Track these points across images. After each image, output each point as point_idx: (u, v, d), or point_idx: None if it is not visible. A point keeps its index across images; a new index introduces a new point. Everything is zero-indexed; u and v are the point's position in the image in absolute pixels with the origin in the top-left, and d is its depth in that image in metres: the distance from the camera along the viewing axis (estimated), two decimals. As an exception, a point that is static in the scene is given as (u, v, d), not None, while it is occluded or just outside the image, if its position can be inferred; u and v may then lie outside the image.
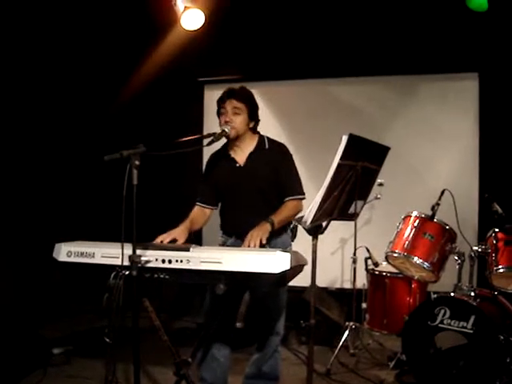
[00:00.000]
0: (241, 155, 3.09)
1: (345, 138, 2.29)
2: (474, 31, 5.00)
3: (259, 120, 3.13)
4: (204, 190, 3.22)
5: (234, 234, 3.13)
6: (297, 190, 3.05)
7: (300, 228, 2.48)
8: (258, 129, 3.17)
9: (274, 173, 3.03)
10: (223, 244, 3.18)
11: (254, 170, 3.05)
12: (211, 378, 3.10)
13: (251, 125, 3.07)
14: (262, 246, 2.67)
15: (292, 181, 3.06)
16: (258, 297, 3.02)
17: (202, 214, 3.19)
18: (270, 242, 2.72)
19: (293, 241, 3.16)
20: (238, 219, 3.08)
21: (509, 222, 3.61)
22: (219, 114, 3.05)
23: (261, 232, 2.72)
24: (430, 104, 5.40)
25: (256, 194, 3.04)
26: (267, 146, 3.11)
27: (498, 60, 5.08)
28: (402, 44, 5.30)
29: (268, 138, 3.16)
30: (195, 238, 3.07)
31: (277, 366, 3.18)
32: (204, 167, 3.29)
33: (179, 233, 2.88)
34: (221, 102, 3.02)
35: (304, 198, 3.05)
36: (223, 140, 3.02)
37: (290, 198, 3.01)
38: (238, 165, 3.09)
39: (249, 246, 2.66)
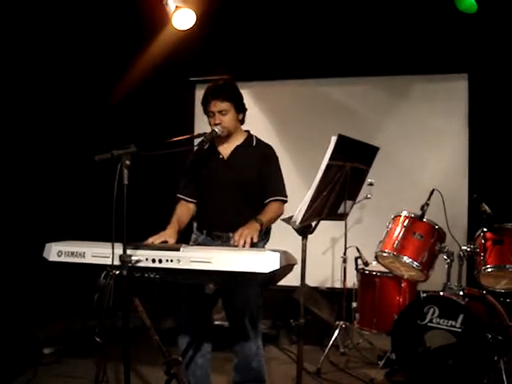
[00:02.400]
0: (226, 149, 3.09)
1: (334, 139, 2.30)
2: (464, 33, 5.03)
3: (246, 109, 3.11)
4: (188, 183, 3.17)
5: (206, 229, 3.08)
6: (281, 191, 3.03)
7: (289, 228, 2.49)
8: (249, 128, 3.18)
9: (256, 171, 3.02)
10: (195, 241, 3.12)
11: (237, 164, 3.04)
12: (193, 380, 3.06)
13: (240, 117, 3.07)
14: (252, 245, 2.65)
15: (277, 182, 3.05)
16: (242, 298, 2.99)
17: (187, 211, 3.14)
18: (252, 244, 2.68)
19: (265, 243, 3.11)
20: (213, 213, 3.06)
21: (497, 221, 3.64)
22: (206, 113, 3.03)
23: (251, 230, 2.68)
24: (420, 104, 5.43)
25: (234, 188, 3.01)
26: (254, 144, 3.11)
27: (487, 61, 5.12)
28: (392, 45, 5.33)
29: (256, 137, 3.16)
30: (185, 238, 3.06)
31: (261, 369, 3.09)
32: (190, 159, 3.23)
33: (170, 234, 2.86)
34: (206, 103, 2.99)
35: (286, 201, 3.04)
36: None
37: (274, 198, 2.99)
38: (221, 157, 3.08)
39: (239, 245, 2.62)
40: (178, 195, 3.18)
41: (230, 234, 2.87)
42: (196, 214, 3.19)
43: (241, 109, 3.06)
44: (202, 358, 3.08)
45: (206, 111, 3.02)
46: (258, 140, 3.15)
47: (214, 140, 3.09)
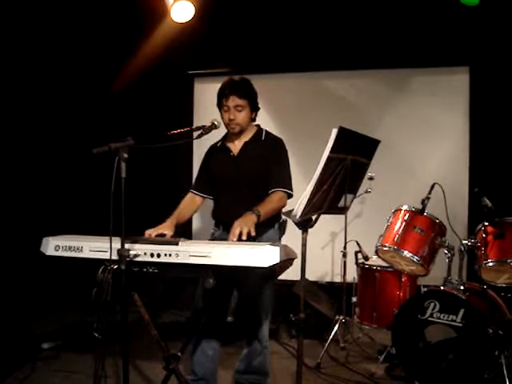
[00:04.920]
0: (236, 145, 3.12)
1: (334, 131, 2.28)
2: (465, 25, 5.01)
3: (259, 108, 3.13)
4: (199, 178, 3.26)
5: (222, 224, 3.14)
6: (285, 183, 3.01)
7: (290, 222, 2.46)
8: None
9: (265, 165, 3.02)
10: (212, 235, 3.20)
11: (246, 160, 3.06)
12: (201, 371, 3.12)
13: (253, 116, 3.10)
14: (251, 239, 2.63)
15: (281, 174, 3.03)
16: (247, 291, 3.04)
17: (192, 203, 3.21)
18: (255, 238, 2.67)
19: (281, 236, 3.14)
20: (226, 209, 3.09)
21: (498, 215, 3.61)
22: (220, 107, 3.05)
23: (247, 223, 2.65)
24: (421, 97, 5.40)
25: (245, 184, 3.03)
26: (263, 138, 3.12)
27: (489, 54, 5.09)
28: (393, 37, 5.30)
29: (266, 131, 3.17)
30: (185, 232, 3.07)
31: (266, 361, 3.18)
32: (205, 154, 3.30)
33: (166, 227, 2.89)
34: (222, 97, 2.99)
35: (291, 195, 3.01)
36: (213, 132, 3.00)
37: (277, 189, 2.97)
38: (231, 154, 3.11)
39: (236, 237, 2.60)
40: (190, 188, 3.26)
41: None
42: (212, 211, 3.26)
43: (255, 107, 3.09)
44: (212, 351, 3.14)
45: (221, 105, 3.03)
46: (268, 134, 3.16)
47: (226, 136, 3.16)
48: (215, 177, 3.16)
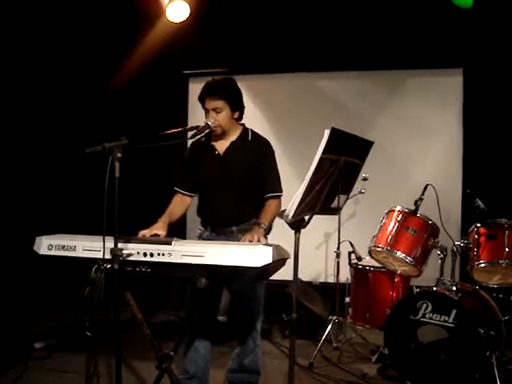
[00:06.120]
0: (222, 144, 3.10)
1: (327, 132, 2.28)
2: (459, 27, 5.02)
3: (244, 107, 3.11)
4: (184, 177, 3.22)
5: (209, 225, 3.14)
6: (277, 186, 3.07)
7: (282, 222, 2.47)
8: (242, 121, 3.17)
9: (252, 165, 3.03)
10: (199, 236, 3.19)
11: (233, 159, 3.06)
12: (193, 369, 3.13)
13: (236, 115, 3.07)
14: None
15: (273, 177, 3.07)
16: (239, 291, 3.05)
17: (182, 203, 3.19)
18: None
19: (268, 234, 3.15)
20: (213, 209, 3.10)
21: (491, 217, 3.63)
22: (203, 109, 3.06)
23: (258, 236, 2.70)
24: (415, 99, 5.42)
25: (232, 184, 3.04)
26: (250, 138, 3.12)
27: (483, 56, 5.11)
28: (387, 39, 5.31)
29: (252, 130, 3.16)
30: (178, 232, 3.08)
31: (257, 360, 3.19)
32: (186, 154, 3.28)
33: (160, 227, 2.90)
34: (201, 100, 3.01)
35: (281, 195, 3.08)
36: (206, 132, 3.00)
37: (272, 194, 3.02)
38: (217, 153, 3.10)
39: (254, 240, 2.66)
40: (175, 188, 3.22)
41: (234, 228, 3.02)
42: (198, 210, 3.24)
43: (237, 107, 3.05)
44: (204, 349, 3.15)
45: (203, 108, 3.03)
46: (254, 134, 3.16)
47: (211, 135, 3.11)
48: (201, 176, 3.15)
